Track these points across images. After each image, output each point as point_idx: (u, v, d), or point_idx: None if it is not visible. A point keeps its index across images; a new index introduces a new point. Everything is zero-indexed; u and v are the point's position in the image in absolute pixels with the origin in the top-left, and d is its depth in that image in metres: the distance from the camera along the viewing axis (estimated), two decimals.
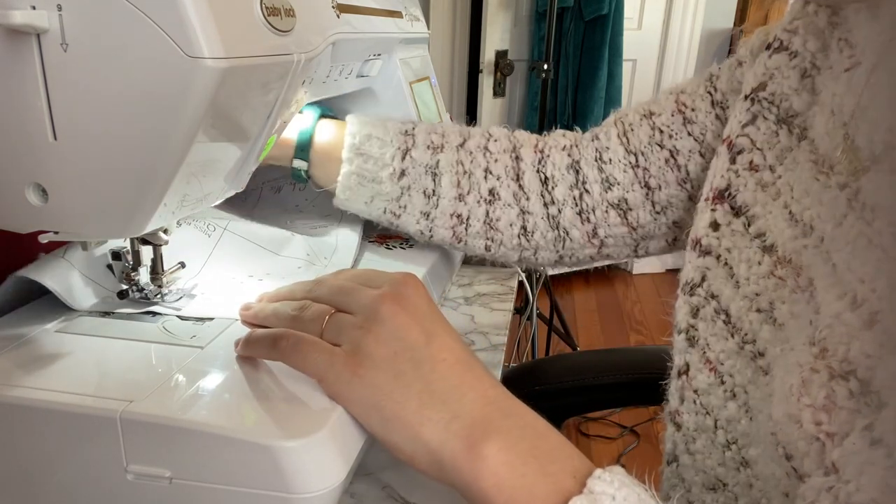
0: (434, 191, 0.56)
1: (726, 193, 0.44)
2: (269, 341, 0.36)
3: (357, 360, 0.34)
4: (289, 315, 0.38)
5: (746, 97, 0.43)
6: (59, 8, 0.29)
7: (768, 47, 0.42)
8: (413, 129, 0.57)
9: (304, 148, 0.57)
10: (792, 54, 0.40)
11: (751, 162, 0.43)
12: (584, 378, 0.73)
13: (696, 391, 0.44)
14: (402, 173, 0.55)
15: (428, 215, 0.56)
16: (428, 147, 0.56)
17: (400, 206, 0.56)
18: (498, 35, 2.26)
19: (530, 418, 0.33)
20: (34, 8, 0.29)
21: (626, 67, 2.45)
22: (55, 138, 0.32)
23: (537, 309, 1.95)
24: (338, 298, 0.37)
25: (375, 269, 0.41)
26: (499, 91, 2.34)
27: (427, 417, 0.32)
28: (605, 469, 0.30)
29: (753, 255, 0.41)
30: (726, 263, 0.44)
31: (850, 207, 0.33)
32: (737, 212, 0.43)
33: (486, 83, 2.29)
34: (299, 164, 0.57)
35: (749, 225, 0.43)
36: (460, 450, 0.31)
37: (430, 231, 0.57)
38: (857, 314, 0.30)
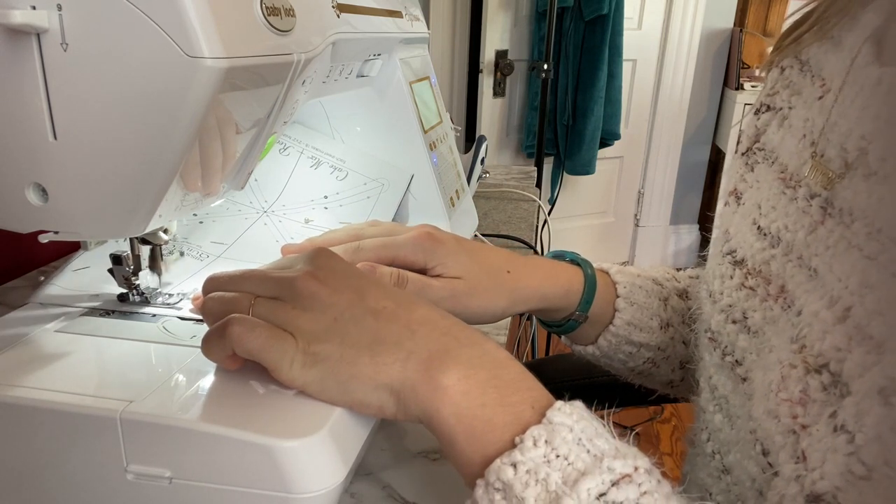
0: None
1: (726, 231, 0.46)
2: (215, 337, 0.34)
3: (305, 339, 0.33)
4: (218, 308, 0.36)
5: (742, 154, 0.46)
6: (59, 8, 0.29)
7: (756, 112, 0.46)
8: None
9: (589, 301, 0.52)
10: (776, 110, 0.44)
11: (735, 191, 0.46)
12: (584, 378, 0.73)
13: (703, 409, 0.46)
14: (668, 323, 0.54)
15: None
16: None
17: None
18: (498, 35, 2.26)
19: (490, 347, 0.33)
20: (34, 8, 0.29)
21: (626, 67, 2.45)
22: (55, 138, 0.32)
23: None
24: (259, 287, 0.36)
25: (287, 256, 0.40)
26: (499, 91, 2.35)
27: (382, 363, 0.32)
28: (566, 402, 0.31)
29: (725, 270, 0.44)
30: (705, 281, 0.47)
31: (828, 215, 0.35)
32: (727, 240, 0.45)
33: (486, 83, 2.30)
34: (580, 316, 0.52)
35: (724, 244, 0.45)
36: (420, 382, 0.31)
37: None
38: (832, 311, 0.32)
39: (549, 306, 0.51)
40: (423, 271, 0.46)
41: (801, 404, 0.31)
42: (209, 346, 0.35)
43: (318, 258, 0.37)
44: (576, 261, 0.54)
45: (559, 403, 0.31)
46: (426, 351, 0.32)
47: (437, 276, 0.46)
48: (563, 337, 0.56)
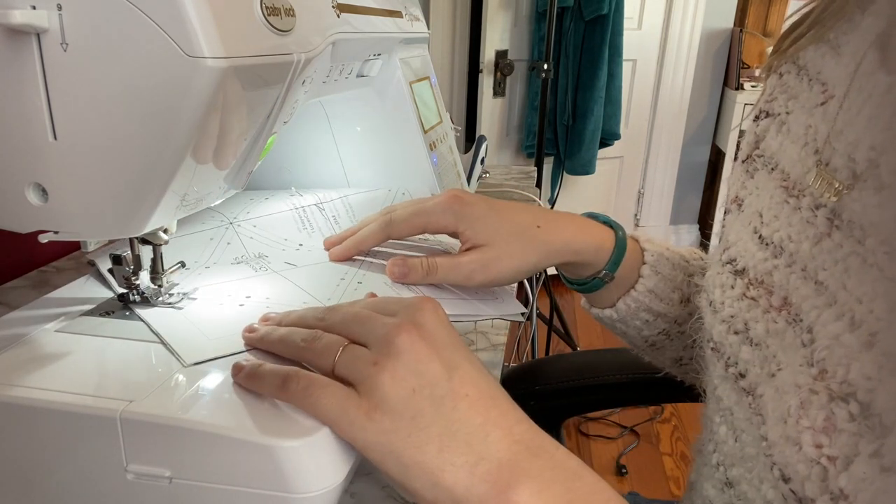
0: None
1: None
2: (278, 380, 0.33)
3: (372, 402, 0.31)
4: (298, 345, 0.35)
5: (743, 161, 0.46)
6: (59, 8, 0.29)
7: (756, 119, 0.46)
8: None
9: (618, 262, 0.53)
10: (775, 116, 0.44)
11: (736, 198, 0.46)
12: (584, 378, 0.73)
13: (710, 419, 0.45)
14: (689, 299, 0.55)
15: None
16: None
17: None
18: (498, 35, 2.26)
19: (561, 457, 0.31)
20: (34, 8, 0.29)
21: (626, 67, 2.45)
22: (55, 138, 0.32)
23: (537, 309, 1.95)
24: (352, 328, 0.35)
25: (392, 297, 0.38)
26: (499, 91, 2.34)
27: (449, 462, 0.30)
28: None
29: (726, 279, 0.43)
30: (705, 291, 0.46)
31: (834, 227, 0.34)
32: (726, 248, 0.45)
33: (486, 83, 2.29)
34: (607, 275, 0.53)
35: (723, 252, 0.45)
36: (489, 496, 0.29)
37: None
38: (855, 335, 0.30)
39: (579, 260, 0.52)
40: (454, 234, 0.48)
41: (826, 433, 0.30)
42: (259, 384, 0.34)
43: (425, 313, 0.34)
44: (608, 222, 0.55)
45: None
46: (496, 460, 0.30)
47: (466, 242, 0.48)
48: (583, 299, 0.57)
